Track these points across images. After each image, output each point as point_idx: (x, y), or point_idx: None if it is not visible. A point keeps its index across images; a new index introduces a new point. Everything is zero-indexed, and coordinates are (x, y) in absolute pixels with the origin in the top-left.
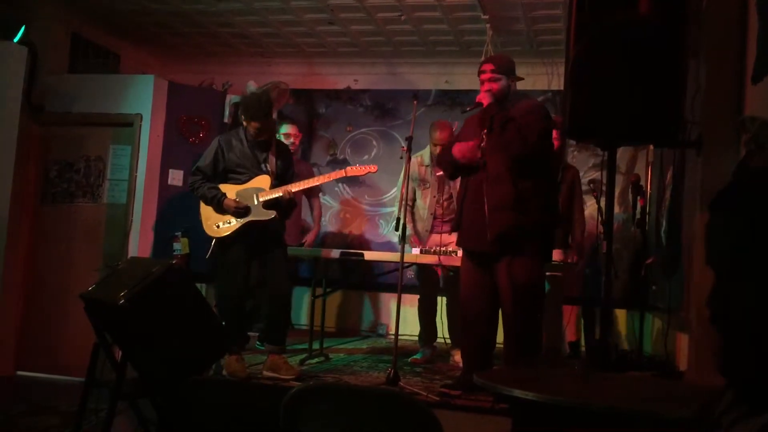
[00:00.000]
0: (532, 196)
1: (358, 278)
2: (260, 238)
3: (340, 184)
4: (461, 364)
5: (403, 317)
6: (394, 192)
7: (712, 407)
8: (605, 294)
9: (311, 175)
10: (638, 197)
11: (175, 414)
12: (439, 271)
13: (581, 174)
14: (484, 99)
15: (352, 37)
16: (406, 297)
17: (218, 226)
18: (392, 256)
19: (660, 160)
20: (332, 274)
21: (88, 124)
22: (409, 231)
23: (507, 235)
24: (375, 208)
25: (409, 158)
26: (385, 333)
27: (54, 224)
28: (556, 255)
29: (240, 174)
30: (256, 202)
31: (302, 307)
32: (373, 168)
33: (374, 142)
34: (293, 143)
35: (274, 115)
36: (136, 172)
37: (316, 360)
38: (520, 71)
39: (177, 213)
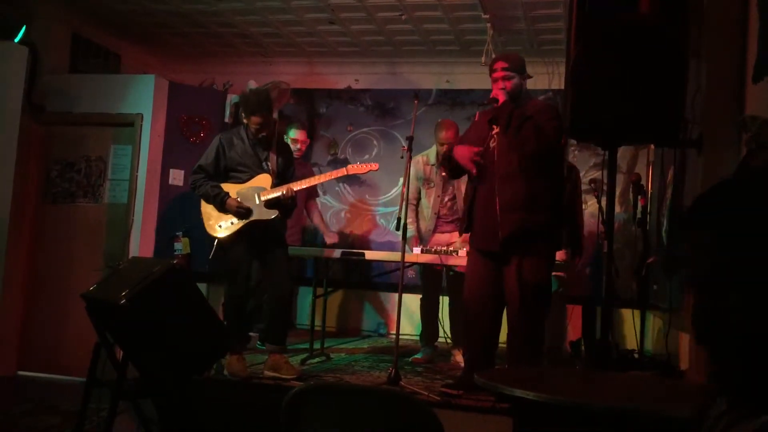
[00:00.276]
0: (543, 196)
1: (359, 278)
2: (261, 238)
3: (341, 184)
4: (462, 364)
5: (404, 317)
6: (395, 192)
7: (707, 409)
8: (605, 293)
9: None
10: (639, 197)
11: (177, 413)
12: (442, 270)
13: (582, 174)
14: (500, 96)
15: (352, 36)
16: (407, 296)
17: (220, 226)
18: (393, 256)
19: (661, 160)
20: (333, 274)
21: (88, 123)
22: (412, 231)
23: (518, 235)
24: (376, 208)
25: (410, 158)
26: (386, 333)
27: (55, 224)
28: (559, 255)
29: (241, 172)
30: (257, 202)
31: (304, 306)
32: (374, 166)
33: (375, 142)
34: (299, 149)
35: (275, 115)
36: (137, 172)
37: (317, 360)
38: None
39: (178, 213)
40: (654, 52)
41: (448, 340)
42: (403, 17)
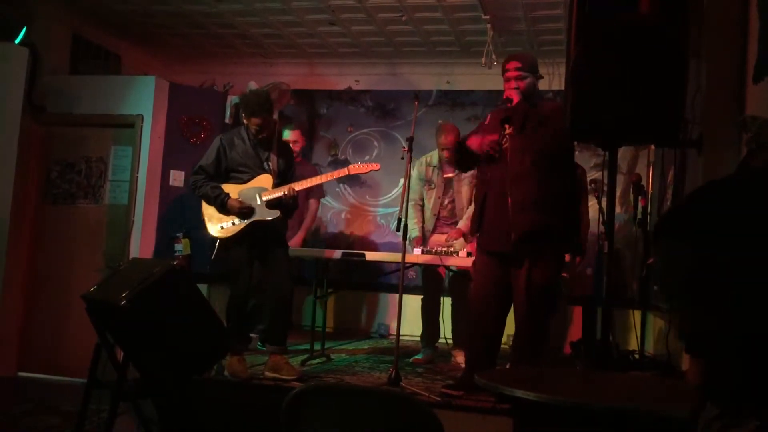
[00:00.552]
0: (555, 197)
1: (359, 279)
2: (262, 238)
3: (341, 185)
4: (463, 365)
5: (404, 317)
6: (396, 192)
7: (701, 409)
8: (606, 294)
9: (313, 175)
10: (639, 197)
11: (177, 414)
12: (443, 271)
13: None
14: (513, 96)
15: (353, 37)
16: (408, 297)
17: (222, 227)
18: (393, 257)
19: (661, 160)
20: (334, 275)
21: (89, 124)
22: (417, 232)
23: (530, 236)
24: (376, 209)
25: (411, 159)
26: (386, 333)
27: (55, 225)
28: None
29: (242, 173)
30: (259, 202)
31: (304, 308)
32: (375, 166)
33: (375, 143)
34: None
35: (275, 116)
36: (137, 173)
37: (317, 360)
38: None
39: (178, 214)
40: (654, 52)
41: (449, 341)
42: (403, 18)
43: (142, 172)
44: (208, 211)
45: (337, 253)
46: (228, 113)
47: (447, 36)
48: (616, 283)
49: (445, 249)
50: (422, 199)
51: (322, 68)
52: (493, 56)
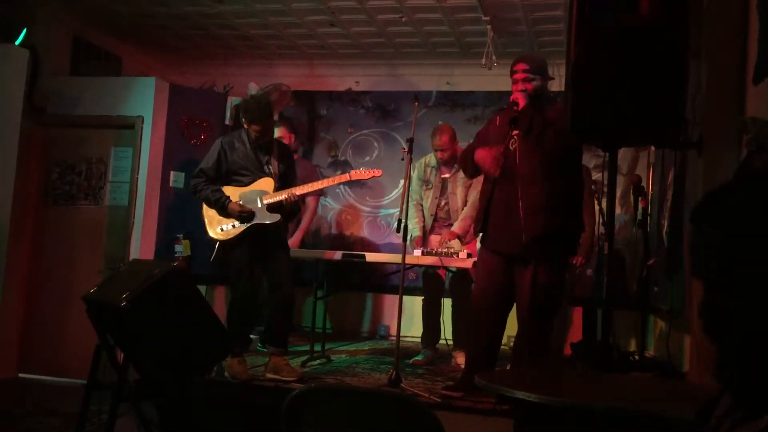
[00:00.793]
0: (564, 199)
1: (360, 280)
2: (263, 241)
3: (341, 186)
4: (463, 366)
5: (404, 319)
6: (396, 193)
7: (711, 409)
8: (606, 295)
9: (314, 174)
10: (639, 198)
11: (177, 415)
12: (443, 273)
13: None
14: (520, 99)
15: (353, 38)
16: (408, 298)
17: (222, 230)
18: (394, 258)
19: (661, 161)
20: (334, 276)
21: (89, 126)
22: (418, 231)
23: (541, 238)
24: (376, 210)
25: (411, 160)
26: (386, 334)
27: (56, 226)
28: None
29: (243, 176)
30: (259, 205)
31: (304, 309)
32: (377, 172)
33: (375, 144)
34: None
35: (275, 117)
36: (138, 174)
37: (317, 362)
38: None
39: (178, 215)
40: (654, 53)
41: (449, 343)
42: (403, 19)
43: (142, 173)
44: (209, 213)
45: (338, 255)
46: (228, 114)
47: (447, 37)
48: (616, 285)
49: (446, 250)
50: (422, 199)
51: (323, 69)
52: (493, 57)
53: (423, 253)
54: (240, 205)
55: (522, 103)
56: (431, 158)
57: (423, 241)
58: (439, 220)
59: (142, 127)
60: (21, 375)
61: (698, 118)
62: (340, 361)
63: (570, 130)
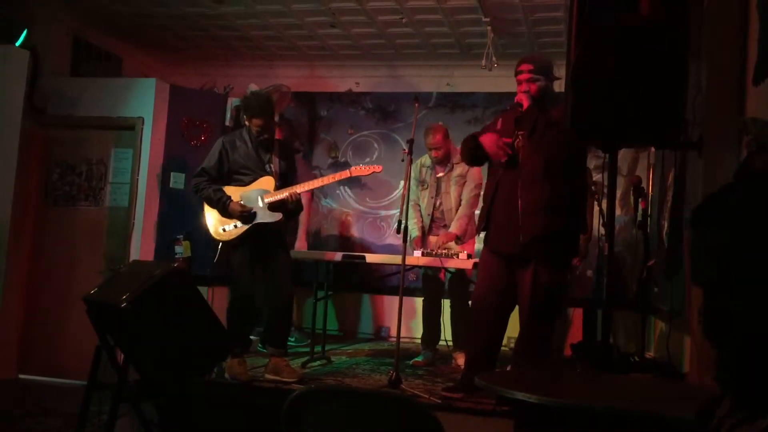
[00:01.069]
0: (566, 201)
1: (360, 281)
2: (264, 241)
3: (342, 187)
4: (463, 367)
5: (404, 320)
6: (396, 194)
7: (712, 409)
8: (606, 296)
9: (309, 176)
10: (640, 199)
11: (178, 416)
12: (443, 274)
13: None
14: (524, 100)
15: (353, 39)
16: (408, 299)
17: (224, 230)
18: (394, 259)
19: (661, 162)
20: (334, 277)
21: (90, 127)
22: (416, 232)
23: (539, 239)
24: (376, 211)
25: (411, 161)
26: (386, 335)
27: (56, 227)
28: None
29: (244, 175)
30: (261, 204)
31: (304, 310)
32: (377, 168)
33: (375, 145)
34: None
35: (276, 118)
36: (138, 175)
37: (318, 363)
38: None
39: (179, 216)
40: (654, 53)
41: (449, 344)
42: (403, 20)
43: (142, 174)
44: (211, 213)
45: (338, 256)
46: (228, 115)
47: (447, 38)
48: (616, 285)
49: (446, 252)
50: (420, 200)
51: (323, 70)
52: (494, 58)
53: (423, 254)
54: (241, 205)
55: (526, 103)
56: (426, 158)
57: (422, 241)
58: (436, 221)
59: (142, 128)
60: (21, 376)
61: (698, 118)
62: (340, 362)
63: (570, 131)
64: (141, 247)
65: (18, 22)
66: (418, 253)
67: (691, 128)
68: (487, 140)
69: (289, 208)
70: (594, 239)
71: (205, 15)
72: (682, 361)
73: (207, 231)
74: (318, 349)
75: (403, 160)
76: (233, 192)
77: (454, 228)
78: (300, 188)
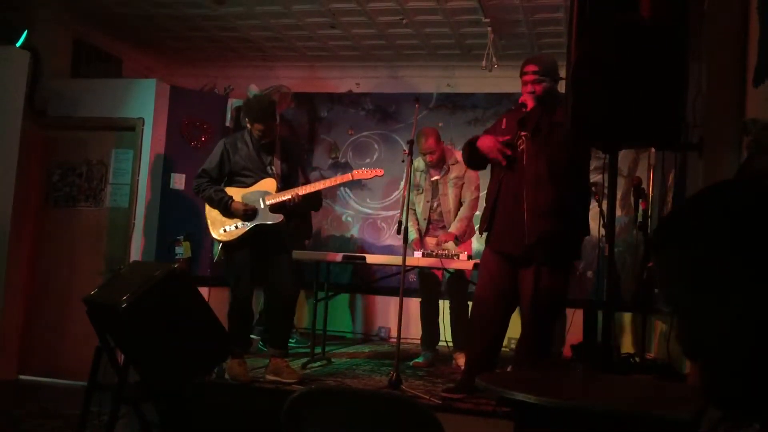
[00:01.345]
0: (570, 203)
1: (360, 282)
2: (265, 242)
3: (342, 188)
4: (463, 368)
5: (405, 321)
6: (396, 195)
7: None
8: (606, 297)
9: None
10: (640, 200)
11: (178, 417)
12: (440, 274)
13: None
14: (528, 101)
15: (353, 40)
16: (408, 300)
17: (225, 230)
18: (394, 260)
19: (662, 163)
20: (334, 278)
21: (90, 128)
22: (414, 234)
23: (545, 241)
24: (376, 212)
25: (411, 161)
26: (387, 336)
27: (56, 228)
28: None
29: (245, 177)
30: (262, 206)
31: (304, 310)
32: (379, 171)
33: (376, 146)
34: None
35: (277, 119)
36: (138, 176)
37: (318, 364)
38: None
39: (179, 217)
40: (655, 54)
41: (449, 345)
42: (404, 21)
43: (143, 175)
44: (212, 214)
45: (338, 256)
46: (229, 116)
47: (447, 39)
48: (616, 286)
49: (446, 252)
50: (415, 204)
51: (323, 71)
52: (494, 59)
53: (423, 255)
54: (243, 205)
55: (531, 104)
56: (419, 162)
57: (420, 243)
58: (433, 222)
59: (142, 129)
60: (21, 377)
61: (699, 119)
62: (340, 363)
63: (570, 131)
64: (141, 247)
65: (18, 23)
66: (418, 254)
67: (691, 129)
68: (485, 145)
69: (290, 210)
70: (594, 240)
71: (206, 16)
72: (683, 362)
73: (207, 232)
74: (318, 349)
75: (403, 161)
76: (235, 193)
77: (453, 229)
78: (302, 190)
